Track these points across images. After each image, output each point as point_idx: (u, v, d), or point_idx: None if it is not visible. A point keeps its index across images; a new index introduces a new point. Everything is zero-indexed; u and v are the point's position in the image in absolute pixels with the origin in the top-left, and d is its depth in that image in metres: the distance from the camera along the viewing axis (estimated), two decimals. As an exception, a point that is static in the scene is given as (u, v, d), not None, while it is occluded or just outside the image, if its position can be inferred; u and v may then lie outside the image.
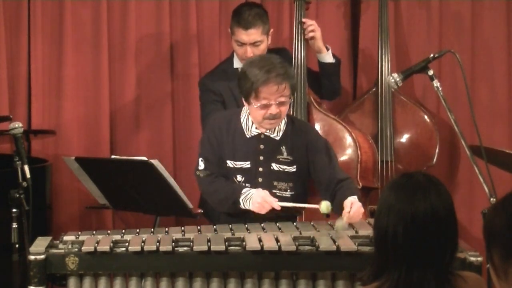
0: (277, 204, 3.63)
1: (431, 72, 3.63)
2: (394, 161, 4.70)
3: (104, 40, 4.94)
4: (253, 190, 3.69)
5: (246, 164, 3.77)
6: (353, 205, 3.50)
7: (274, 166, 3.76)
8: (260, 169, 3.77)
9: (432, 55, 3.67)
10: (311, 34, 4.45)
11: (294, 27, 4.55)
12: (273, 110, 3.65)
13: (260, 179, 3.77)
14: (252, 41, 4.30)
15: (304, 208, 3.76)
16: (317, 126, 4.44)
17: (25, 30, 4.91)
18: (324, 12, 5.00)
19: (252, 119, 3.76)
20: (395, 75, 3.70)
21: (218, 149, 3.80)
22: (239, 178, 3.77)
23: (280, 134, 3.78)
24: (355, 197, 3.59)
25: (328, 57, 4.48)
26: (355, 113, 4.81)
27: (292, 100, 3.75)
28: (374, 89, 4.81)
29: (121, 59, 4.99)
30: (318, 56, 4.50)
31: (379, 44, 4.78)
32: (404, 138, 4.77)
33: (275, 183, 3.76)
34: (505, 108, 5.04)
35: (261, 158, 3.77)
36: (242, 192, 3.70)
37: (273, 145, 3.77)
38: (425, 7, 5.01)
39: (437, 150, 4.73)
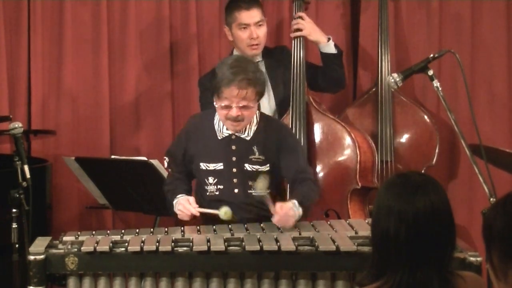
0: (196, 211, 3.63)
1: (431, 72, 3.63)
2: (394, 161, 4.69)
3: (104, 40, 4.94)
4: (181, 197, 3.70)
5: (219, 166, 3.76)
6: (282, 209, 3.53)
7: (247, 167, 3.75)
8: (234, 170, 3.76)
9: (432, 55, 3.67)
10: (296, 34, 4.44)
11: (292, 27, 4.55)
12: (233, 112, 3.64)
13: (235, 180, 3.76)
14: (256, 20, 4.34)
15: (213, 214, 3.65)
16: (316, 126, 4.44)
17: (25, 30, 4.91)
18: (324, 12, 5.00)
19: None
20: (395, 75, 3.70)
21: (186, 147, 3.80)
22: (211, 180, 3.76)
23: (251, 134, 3.77)
24: (294, 201, 3.59)
25: (328, 48, 4.48)
26: (355, 113, 4.80)
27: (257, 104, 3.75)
28: (374, 89, 4.80)
29: (121, 59, 4.99)
30: (319, 46, 4.50)
31: (379, 44, 4.77)
32: (404, 138, 4.76)
33: (250, 183, 3.73)
34: (505, 108, 5.03)
35: (234, 159, 3.76)
36: (176, 197, 3.72)
37: (245, 146, 3.76)
38: (425, 7, 5.00)
39: (437, 150, 4.72)
